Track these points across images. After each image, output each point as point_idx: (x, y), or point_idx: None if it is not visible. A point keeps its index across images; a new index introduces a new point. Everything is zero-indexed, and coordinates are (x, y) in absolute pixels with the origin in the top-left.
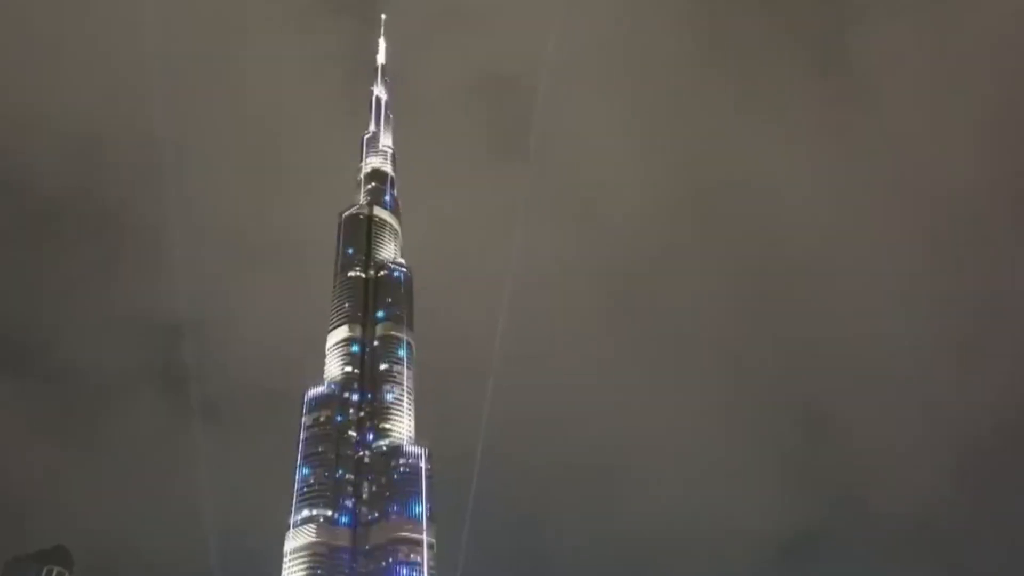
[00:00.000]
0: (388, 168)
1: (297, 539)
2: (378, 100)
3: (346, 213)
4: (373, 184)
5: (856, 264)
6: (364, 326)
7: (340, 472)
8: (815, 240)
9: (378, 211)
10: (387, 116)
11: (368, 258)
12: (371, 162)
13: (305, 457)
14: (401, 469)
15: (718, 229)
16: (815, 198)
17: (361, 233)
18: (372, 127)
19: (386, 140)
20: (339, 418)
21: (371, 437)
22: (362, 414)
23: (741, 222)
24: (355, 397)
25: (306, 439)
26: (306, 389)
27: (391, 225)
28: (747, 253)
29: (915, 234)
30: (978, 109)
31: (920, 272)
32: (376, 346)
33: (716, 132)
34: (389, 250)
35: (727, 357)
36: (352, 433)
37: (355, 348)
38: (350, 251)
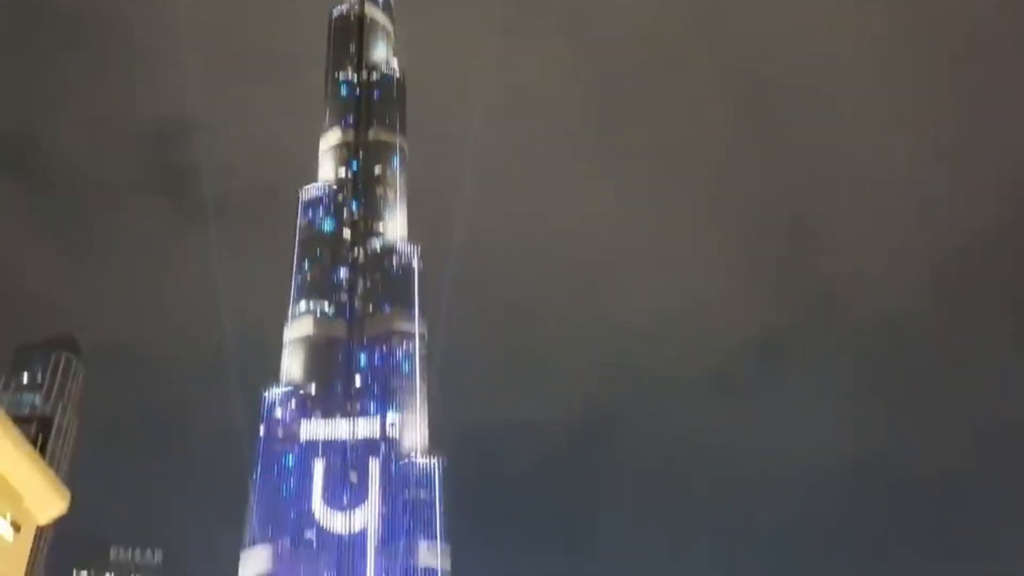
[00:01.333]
0: None
1: (296, 331)
2: None
3: (336, 13)
4: None
5: (853, 82)
6: (356, 129)
7: (336, 270)
8: (816, 61)
9: (370, 10)
10: None
11: (360, 60)
12: None
13: (301, 257)
14: (394, 267)
15: (717, 48)
16: (818, 20)
17: (352, 34)
18: None
19: None
20: (333, 220)
21: (365, 238)
22: (356, 216)
23: (742, 42)
24: (349, 199)
25: (302, 240)
26: (300, 192)
27: (383, 26)
28: (746, 70)
29: (910, 53)
30: None
31: (915, 89)
32: (369, 149)
33: None
34: (381, 52)
35: (718, 167)
36: (347, 233)
37: (347, 152)
38: (341, 53)
